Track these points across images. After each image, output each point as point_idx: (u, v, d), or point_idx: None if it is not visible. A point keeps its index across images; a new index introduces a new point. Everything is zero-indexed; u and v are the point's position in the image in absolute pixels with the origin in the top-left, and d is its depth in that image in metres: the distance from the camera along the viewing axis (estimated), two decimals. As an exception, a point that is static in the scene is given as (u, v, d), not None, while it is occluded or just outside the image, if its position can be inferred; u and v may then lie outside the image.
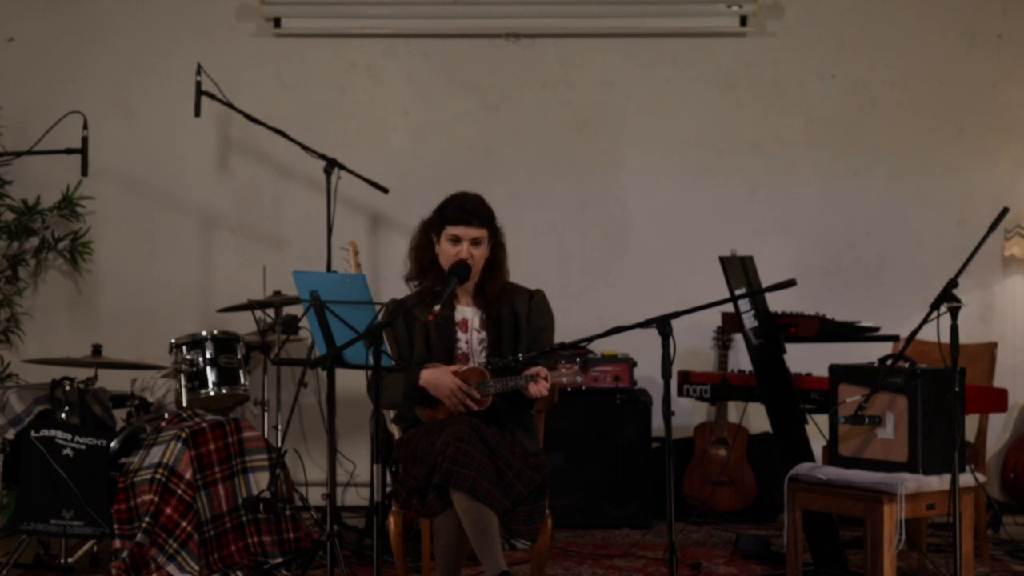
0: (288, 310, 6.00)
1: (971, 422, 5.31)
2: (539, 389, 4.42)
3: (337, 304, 4.35)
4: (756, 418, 6.15)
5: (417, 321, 4.60)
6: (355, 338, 4.30)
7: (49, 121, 5.57)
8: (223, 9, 6.65)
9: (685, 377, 5.79)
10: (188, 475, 5.02)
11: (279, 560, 5.17)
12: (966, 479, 4.62)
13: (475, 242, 4.55)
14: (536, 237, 6.58)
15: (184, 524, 4.99)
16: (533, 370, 4.44)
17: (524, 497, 4.35)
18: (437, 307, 4.41)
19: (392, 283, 6.11)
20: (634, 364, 6.16)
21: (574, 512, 6.06)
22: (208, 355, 5.62)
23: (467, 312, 4.65)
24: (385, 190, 6.18)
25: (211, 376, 5.62)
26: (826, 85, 6.66)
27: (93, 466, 5.13)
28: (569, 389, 4.47)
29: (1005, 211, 4.55)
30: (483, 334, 4.63)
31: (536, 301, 4.67)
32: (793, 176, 6.67)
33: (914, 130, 6.66)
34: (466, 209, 4.57)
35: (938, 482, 4.59)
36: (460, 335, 4.62)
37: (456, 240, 4.55)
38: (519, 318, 4.62)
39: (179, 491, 5.00)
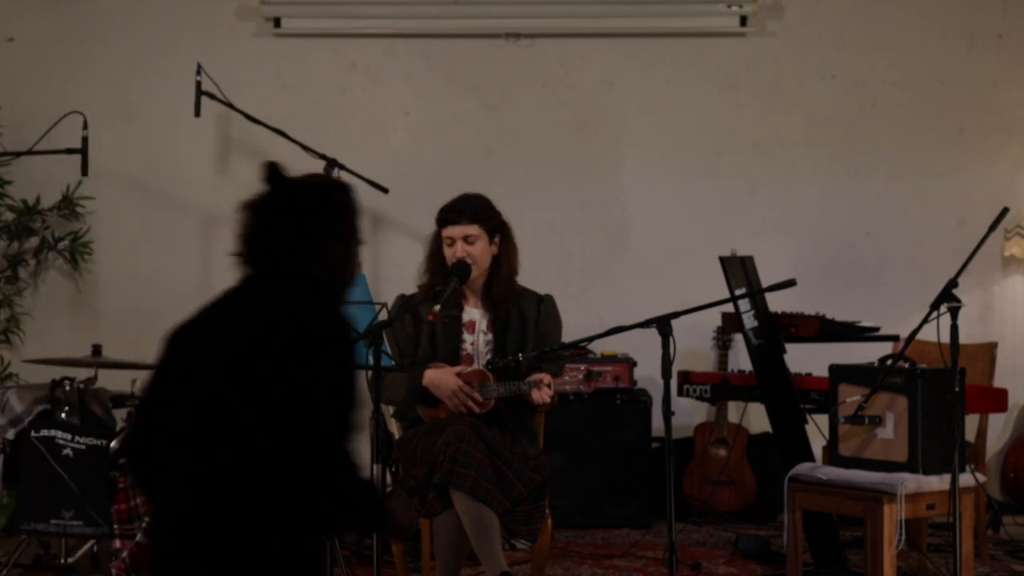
0: (288, 310, 5.98)
1: (971, 422, 5.30)
2: (542, 396, 4.41)
3: (337, 304, 4.34)
4: (756, 418, 6.14)
5: (423, 321, 4.59)
6: (355, 338, 4.29)
7: (49, 121, 5.57)
8: (223, 9, 6.64)
9: (685, 377, 5.79)
10: (188, 475, 5.01)
11: (279, 560, 5.16)
12: (966, 479, 4.61)
13: (468, 240, 4.53)
14: (536, 237, 6.56)
15: (184, 524, 4.98)
16: (537, 376, 4.43)
17: (524, 497, 4.35)
18: (437, 307, 4.40)
19: (392, 283, 6.11)
20: (634, 364, 6.15)
21: (574, 512, 6.05)
22: (208, 355, 5.60)
23: (475, 313, 4.63)
24: (385, 190, 6.17)
25: (211, 376, 5.60)
26: (826, 85, 6.66)
27: (93, 466, 5.12)
28: (572, 398, 4.46)
29: (1005, 211, 4.55)
30: (490, 336, 4.62)
31: (545, 306, 4.65)
32: (793, 176, 6.66)
33: (914, 130, 6.65)
34: (454, 208, 4.56)
35: (938, 482, 4.58)
36: (466, 336, 4.61)
37: (450, 242, 4.55)
38: (527, 322, 4.60)
39: (179, 491, 4.99)
